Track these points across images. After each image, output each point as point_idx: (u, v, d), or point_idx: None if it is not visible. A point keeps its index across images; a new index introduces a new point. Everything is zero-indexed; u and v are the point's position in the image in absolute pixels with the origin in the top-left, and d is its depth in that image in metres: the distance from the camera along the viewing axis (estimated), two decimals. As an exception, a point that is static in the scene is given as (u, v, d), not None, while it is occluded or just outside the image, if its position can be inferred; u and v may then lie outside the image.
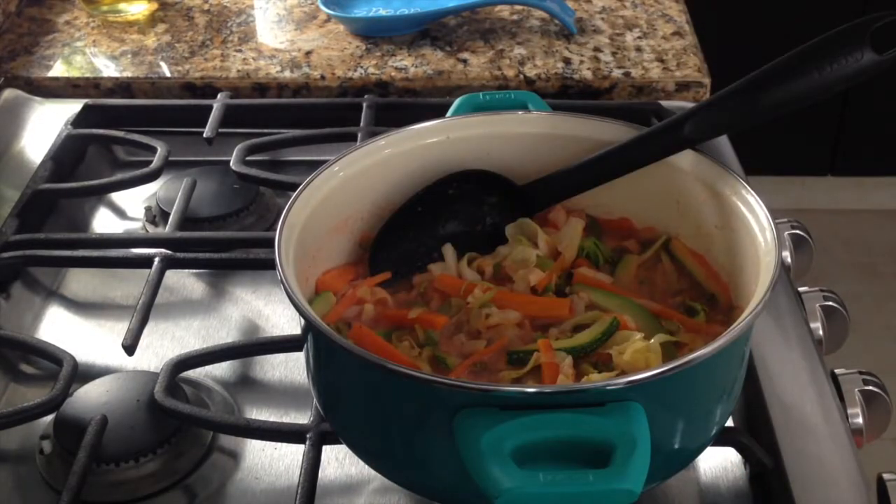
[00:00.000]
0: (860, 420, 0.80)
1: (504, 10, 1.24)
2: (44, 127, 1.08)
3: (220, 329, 0.87)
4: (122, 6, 1.25)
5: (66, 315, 0.90)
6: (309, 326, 0.65)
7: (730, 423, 0.72)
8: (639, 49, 1.17)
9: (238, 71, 1.15)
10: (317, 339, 0.66)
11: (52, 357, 0.79)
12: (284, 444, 0.76)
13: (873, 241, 2.61)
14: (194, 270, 0.93)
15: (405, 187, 0.78)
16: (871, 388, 0.81)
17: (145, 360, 0.83)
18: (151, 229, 0.97)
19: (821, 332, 0.88)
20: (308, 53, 1.18)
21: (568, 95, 1.12)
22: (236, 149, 0.97)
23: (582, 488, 0.54)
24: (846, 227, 2.62)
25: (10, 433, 0.76)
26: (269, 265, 0.71)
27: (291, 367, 0.83)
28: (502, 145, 0.79)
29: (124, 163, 1.09)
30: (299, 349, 0.76)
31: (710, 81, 1.12)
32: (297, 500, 0.68)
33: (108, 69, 1.16)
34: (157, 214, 0.97)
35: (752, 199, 0.71)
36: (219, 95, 1.08)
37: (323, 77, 1.14)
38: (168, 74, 1.15)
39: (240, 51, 1.19)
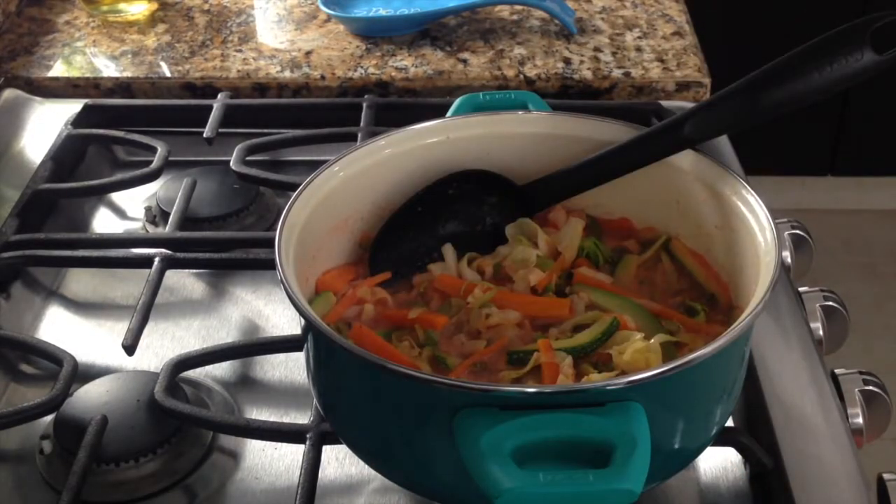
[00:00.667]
0: (860, 420, 0.80)
1: (504, 10, 1.24)
2: (44, 127, 1.08)
3: (220, 329, 0.87)
4: (122, 6, 1.25)
5: (66, 315, 0.90)
6: (309, 326, 0.65)
7: (730, 423, 0.72)
8: (639, 49, 1.17)
9: (238, 71, 1.15)
10: (317, 339, 0.66)
11: (52, 357, 0.79)
12: (284, 444, 0.76)
13: (873, 241, 2.60)
14: (194, 270, 0.93)
15: (405, 187, 0.78)
16: (871, 388, 0.81)
17: (145, 360, 0.83)
18: (151, 229, 0.97)
19: (821, 332, 0.88)
20: (308, 53, 1.18)
21: (568, 95, 1.12)
22: (236, 149, 0.97)
23: (582, 488, 0.54)
24: (846, 227, 2.61)
25: (10, 433, 0.76)
26: (269, 265, 0.71)
27: (291, 367, 0.83)
28: (502, 145, 0.79)
29: (124, 163, 1.09)
30: (299, 349, 0.76)
31: (710, 81, 1.12)
32: (297, 500, 0.68)
33: (108, 69, 1.16)
34: (157, 214, 0.97)
35: (752, 199, 0.70)
36: (219, 95, 1.08)
37: (323, 77, 1.14)
38: (168, 74, 1.15)
39: (240, 51, 1.19)
